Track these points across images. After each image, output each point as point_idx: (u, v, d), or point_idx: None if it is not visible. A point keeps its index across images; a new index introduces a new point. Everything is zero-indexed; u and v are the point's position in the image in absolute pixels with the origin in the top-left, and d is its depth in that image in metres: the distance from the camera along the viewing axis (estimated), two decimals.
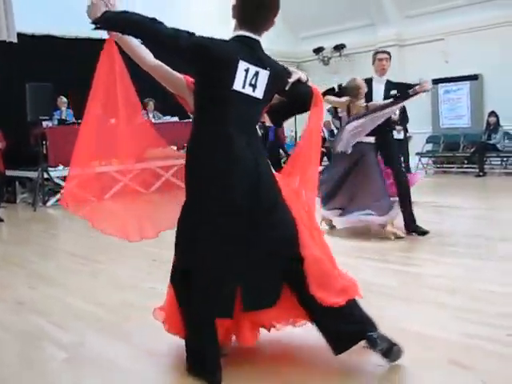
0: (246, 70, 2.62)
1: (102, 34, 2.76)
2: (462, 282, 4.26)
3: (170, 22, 2.58)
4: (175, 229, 2.75)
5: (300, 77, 2.90)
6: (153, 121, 11.68)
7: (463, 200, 9.05)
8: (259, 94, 2.69)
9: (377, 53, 6.44)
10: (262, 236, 2.68)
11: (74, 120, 10.90)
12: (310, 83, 2.99)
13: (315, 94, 2.97)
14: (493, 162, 13.20)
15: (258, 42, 2.72)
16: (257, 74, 2.66)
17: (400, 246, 5.63)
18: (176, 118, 11.73)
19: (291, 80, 2.85)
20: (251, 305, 2.72)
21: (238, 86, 2.61)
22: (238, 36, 2.70)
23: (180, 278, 2.74)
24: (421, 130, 14.32)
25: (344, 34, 16.79)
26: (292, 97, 2.95)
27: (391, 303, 3.84)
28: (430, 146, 15.14)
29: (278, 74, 2.78)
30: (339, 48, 17.12)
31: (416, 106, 14.12)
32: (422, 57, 15.20)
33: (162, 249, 3.95)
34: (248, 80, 2.63)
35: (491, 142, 12.35)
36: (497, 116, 12.43)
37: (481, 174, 12.29)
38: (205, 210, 2.63)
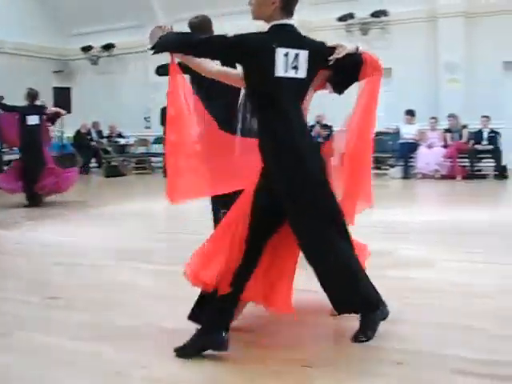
0: (286, 55, 2.80)
1: None
2: None
3: None
4: None
5: (346, 51, 3.00)
6: None
7: None
8: (302, 73, 2.87)
9: None
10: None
11: None
12: (362, 51, 3.08)
13: (368, 62, 3.08)
14: None
15: (293, 25, 2.92)
16: (297, 55, 2.84)
17: (160, 247, 5.67)
18: None
19: (335, 56, 2.97)
20: None
21: (280, 71, 2.79)
22: (274, 25, 2.87)
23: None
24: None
25: (114, 34, 16.56)
26: (342, 69, 3.06)
27: (151, 302, 3.86)
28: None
29: (317, 51, 2.95)
30: (108, 47, 16.83)
31: None
32: None
33: None
34: (289, 63, 2.81)
35: None
36: None
37: None
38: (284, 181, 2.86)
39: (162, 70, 5.18)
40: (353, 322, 3.08)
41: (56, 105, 14.83)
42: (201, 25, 4.94)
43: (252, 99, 3.04)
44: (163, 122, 14.32)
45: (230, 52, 2.90)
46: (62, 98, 15.08)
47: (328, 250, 2.94)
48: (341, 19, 13.51)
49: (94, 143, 15.84)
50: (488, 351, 2.85)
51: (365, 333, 2.99)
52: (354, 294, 2.98)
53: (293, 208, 2.90)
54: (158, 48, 2.97)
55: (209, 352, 2.88)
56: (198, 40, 2.93)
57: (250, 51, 2.81)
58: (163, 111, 14.29)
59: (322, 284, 3.01)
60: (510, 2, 12.40)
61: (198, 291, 4.02)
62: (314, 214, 2.89)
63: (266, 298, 3.09)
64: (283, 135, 2.85)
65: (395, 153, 12.76)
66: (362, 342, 2.97)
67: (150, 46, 3.00)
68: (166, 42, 2.96)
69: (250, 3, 2.94)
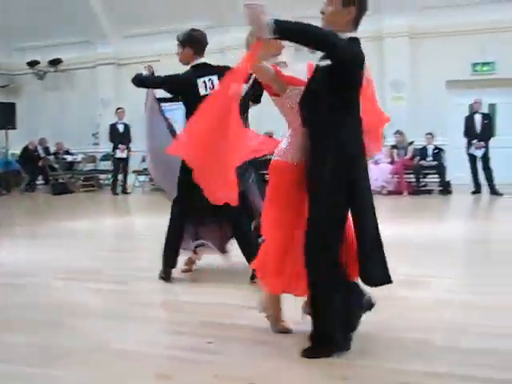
0: None
1: None
2: (168, 296, 4.42)
3: None
4: None
5: None
6: None
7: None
8: None
9: None
10: None
11: None
12: None
13: None
14: None
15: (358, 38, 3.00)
16: None
17: (108, 265, 5.59)
18: None
19: None
20: None
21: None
22: (353, 38, 2.94)
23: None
24: (138, 148, 14.57)
25: (61, 49, 16.33)
26: None
27: (100, 322, 3.79)
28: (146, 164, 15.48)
29: None
30: (55, 63, 16.58)
31: (135, 125, 14.42)
32: None
33: None
34: None
35: None
36: None
37: None
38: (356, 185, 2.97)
39: (147, 82, 5.03)
40: (299, 338, 3.11)
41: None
42: (202, 38, 4.83)
43: (334, 104, 2.96)
44: (112, 138, 14.17)
45: (353, 58, 2.89)
46: (6, 113, 14.75)
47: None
48: None
49: (41, 160, 15.52)
50: (433, 363, 2.91)
51: (318, 352, 3.01)
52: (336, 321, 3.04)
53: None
54: (281, 33, 2.78)
55: (157, 371, 2.87)
56: (338, 42, 2.84)
57: (362, 60, 2.94)
58: (112, 127, 14.14)
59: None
60: (451, 24, 12.85)
61: (145, 309, 4.00)
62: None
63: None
64: (358, 137, 3.03)
65: None
66: (312, 358, 3.00)
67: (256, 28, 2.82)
68: (297, 31, 2.80)
69: (322, 11, 2.98)
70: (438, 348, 3.14)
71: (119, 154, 13.98)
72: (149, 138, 5.07)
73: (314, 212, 3.00)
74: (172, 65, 15.49)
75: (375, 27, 13.62)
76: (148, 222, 9.06)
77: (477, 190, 12.08)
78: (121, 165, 14.10)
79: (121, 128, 14.09)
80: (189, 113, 4.67)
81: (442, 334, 3.38)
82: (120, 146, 13.89)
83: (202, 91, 4.63)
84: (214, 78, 4.68)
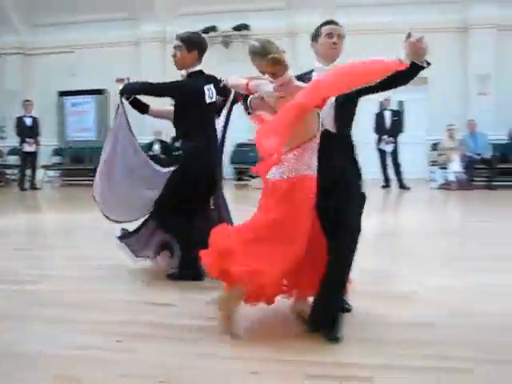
0: None
1: None
2: (78, 295, 4.28)
3: None
4: None
5: None
6: None
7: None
8: None
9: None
10: None
11: None
12: None
13: None
14: None
15: None
16: None
17: (17, 264, 5.34)
18: None
19: None
20: None
21: None
22: None
23: None
24: (47, 142, 14.12)
25: None
26: None
27: (9, 325, 3.59)
28: (56, 159, 15.07)
29: None
30: None
31: (43, 119, 13.95)
32: (49, 68, 15.00)
33: None
34: None
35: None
36: None
37: None
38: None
39: (150, 90, 4.71)
40: (207, 334, 3.08)
41: None
42: (207, 44, 4.66)
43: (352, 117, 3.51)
44: (19, 132, 13.61)
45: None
46: None
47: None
48: (204, 31, 13.65)
49: None
50: (345, 355, 2.98)
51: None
52: None
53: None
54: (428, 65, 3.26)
55: (63, 372, 2.76)
56: None
57: None
58: (19, 120, 13.58)
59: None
60: (362, 23, 13.20)
61: (53, 309, 3.85)
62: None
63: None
64: None
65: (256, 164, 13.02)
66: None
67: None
68: None
69: (335, 42, 3.43)
70: (354, 339, 3.19)
71: (27, 148, 13.52)
72: (109, 152, 4.78)
73: (348, 213, 3.30)
74: (87, 56, 15.02)
75: (289, 22, 13.74)
76: (59, 218, 8.77)
77: (386, 184, 12.51)
78: (29, 159, 13.62)
79: (28, 121, 13.59)
80: (192, 121, 4.52)
81: (358, 325, 3.44)
82: (28, 139, 13.42)
83: (207, 99, 4.51)
84: (211, 86, 4.55)
